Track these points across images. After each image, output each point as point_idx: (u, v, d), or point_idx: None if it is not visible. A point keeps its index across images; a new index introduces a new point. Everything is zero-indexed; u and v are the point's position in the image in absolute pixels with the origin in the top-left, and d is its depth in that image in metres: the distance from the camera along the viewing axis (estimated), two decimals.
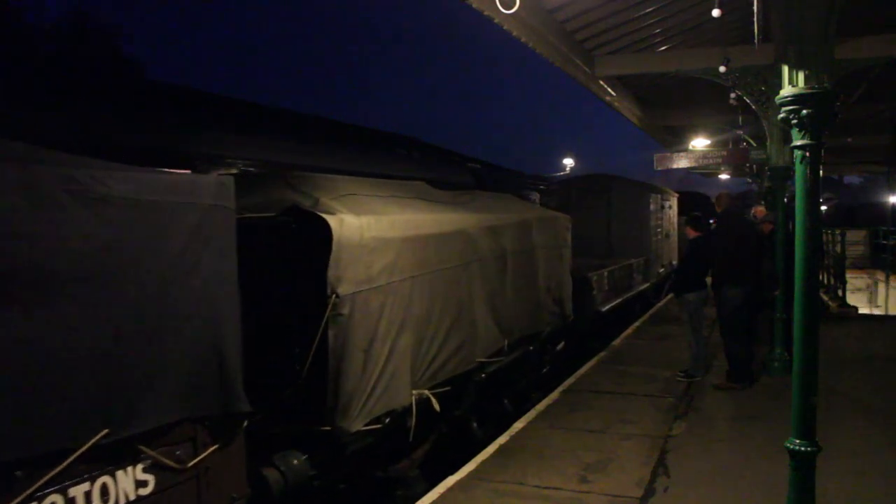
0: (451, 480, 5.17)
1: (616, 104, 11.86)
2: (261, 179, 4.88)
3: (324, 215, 4.09)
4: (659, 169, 12.80)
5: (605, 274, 11.30)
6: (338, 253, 4.01)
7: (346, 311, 4.04)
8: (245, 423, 3.32)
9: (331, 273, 4.00)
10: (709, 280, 8.02)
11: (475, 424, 6.32)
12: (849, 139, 15.92)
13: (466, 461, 5.54)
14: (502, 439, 6.09)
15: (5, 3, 20.96)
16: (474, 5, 6.14)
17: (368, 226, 4.32)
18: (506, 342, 6.36)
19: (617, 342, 10.54)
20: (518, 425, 6.48)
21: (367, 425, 4.26)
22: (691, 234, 8.25)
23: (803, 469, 3.49)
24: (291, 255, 4.29)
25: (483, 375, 6.00)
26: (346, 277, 4.06)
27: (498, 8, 5.32)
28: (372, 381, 4.27)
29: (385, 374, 4.39)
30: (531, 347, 7.29)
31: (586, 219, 14.02)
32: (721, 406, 7.04)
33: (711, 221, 11.02)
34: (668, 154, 13.05)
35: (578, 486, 5.03)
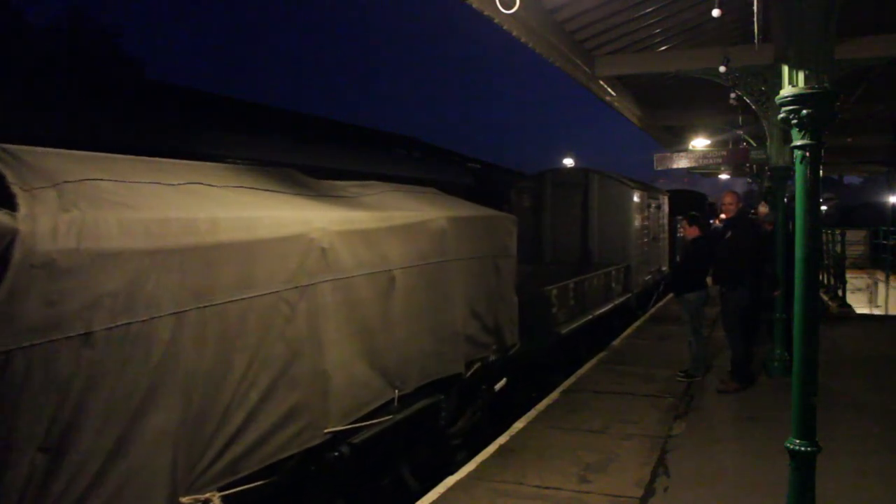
0: (450, 480, 5.17)
1: (616, 104, 11.87)
2: None
3: None
4: (659, 169, 12.83)
5: (571, 286, 9.36)
6: None
7: None
8: None
9: None
10: (709, 280, 8.03)
11: None
12: (849, 139, 15.96)
13: None
14: (502, 439, 6.09)
15: (5, 3, 20.96)
16: (474, 5, 6.14)
17: (56, 230, 2.54)
18: (396, 394, 4.63)
19: (617, 342, 10.54)
20: (518, 425, 6.47)
21: None
22: (692, 233, 8.24)
23: (803, 469, 3.49)
24: None
25: (347, 449, 4.21)
26: None
27: (498, 8, 5.32)
28: (71, 500, 2.56)
29: (106, 482, 2.67)
30: (443, 396, 5.45)
31: (562, 219, 13.04)
32: (721, 406, 7.04)
33: (712, 221, 10.98)
34: (668, 154, 13.07)
35: (578, 485, 5.03)
